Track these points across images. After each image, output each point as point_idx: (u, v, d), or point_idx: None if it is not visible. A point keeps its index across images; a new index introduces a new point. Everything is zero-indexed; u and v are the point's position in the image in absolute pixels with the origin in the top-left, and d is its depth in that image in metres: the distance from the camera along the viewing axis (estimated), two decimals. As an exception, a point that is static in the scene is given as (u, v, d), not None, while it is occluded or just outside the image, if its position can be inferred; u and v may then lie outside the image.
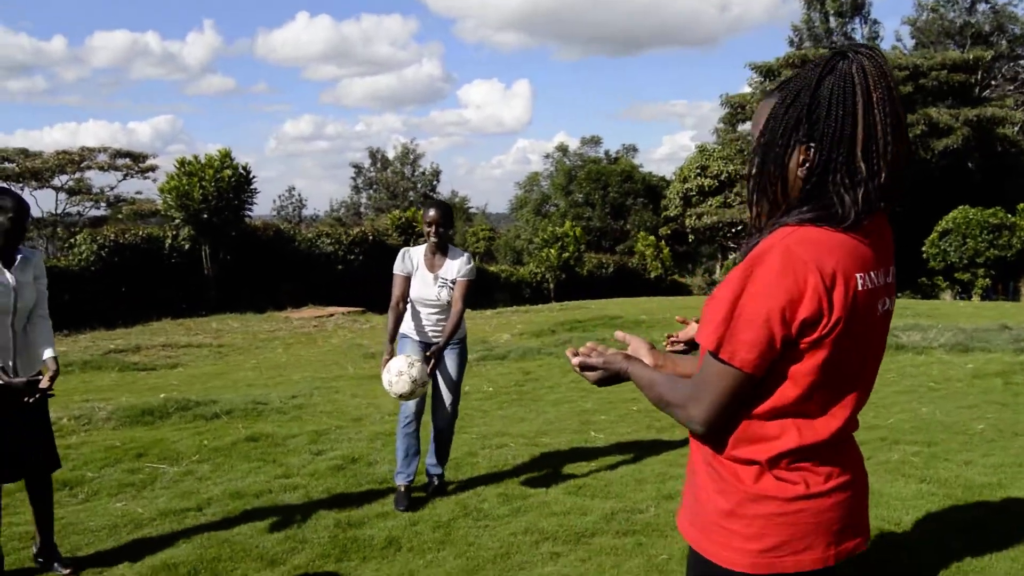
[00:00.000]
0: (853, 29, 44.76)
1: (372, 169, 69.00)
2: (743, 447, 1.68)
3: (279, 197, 68.74)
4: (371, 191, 69.66)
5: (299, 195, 70.46)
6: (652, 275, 37.18)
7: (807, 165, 1.61)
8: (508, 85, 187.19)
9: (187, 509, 4.96)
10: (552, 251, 31.46)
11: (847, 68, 1.58)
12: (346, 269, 23.19)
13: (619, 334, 2.11)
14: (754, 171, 1.69)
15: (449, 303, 5.02)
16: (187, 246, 20.46)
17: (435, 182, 68.50)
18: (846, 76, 1.57)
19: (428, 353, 4.91)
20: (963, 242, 27.20)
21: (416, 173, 68.01)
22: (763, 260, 1.55)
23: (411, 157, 67.36)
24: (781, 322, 1.55)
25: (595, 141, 60.23)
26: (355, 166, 69.29)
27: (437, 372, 5.10)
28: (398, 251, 5.22)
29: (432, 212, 5.00)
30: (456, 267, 5.04)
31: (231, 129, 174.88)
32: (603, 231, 50.83)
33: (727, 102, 38.08)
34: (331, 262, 23.11)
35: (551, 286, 31.94)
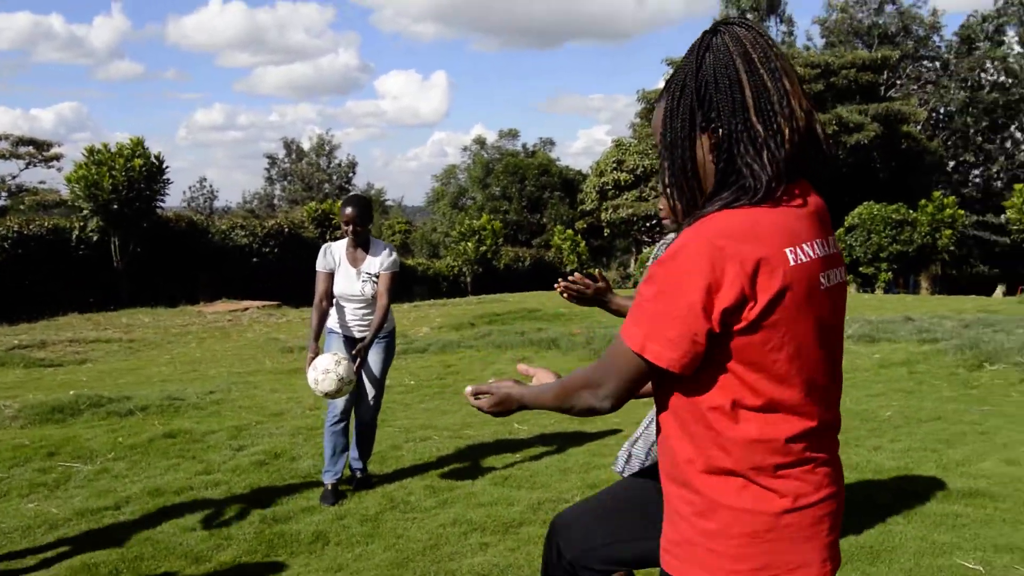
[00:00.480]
0: (768, 27, 45.87)
1: (287, 160, 67.98)
2: (719, 456, 1.56)
3: (190, 188, 67.04)
4: (285, 182, 68.63)
5: (211, 186, 68.77)
6: (569, 268, 37.47)
7: (715, 147, 1.56)
8: (426, 76, 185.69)
9: (105, 508, 4.84)
10: (470, 244, 31.51)
11: (720, 41, 1.56)
12: (261, 262, 22.79)
13: (521, 367, 2.05)
14: (667, 175, 1.63)
15: (373, 297, 4.98)
16: (95, 238, 19.81)
17: (351, 174, 67.89)
18: (721, 48, 1.55)
19: (354, 351, 4.88)
20: (868, 237, 28.17)
21: (332, 165, 67.26)
22: (678, 255, 1.49)
23: (327, 148, 66.62)
24: (702, 316, 1.47)
25: (512, 134, 60.58)
26: (269, 157, 68.25)
27: (362, 367, 5.04)
28: (314, 244, 5.21)
29: (349, 210, 4.91)
30: (379, 261, 5.00)
31: (140, 117, 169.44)
32: (520, 224, 51.09)
33: (643, 97, 38.68)
34: (245, 255, 22.68)
35: (468, 279, 31.99)
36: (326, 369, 4.50)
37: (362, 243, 5.01)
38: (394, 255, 5.06)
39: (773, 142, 1.51)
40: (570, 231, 40.25)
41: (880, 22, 42.91)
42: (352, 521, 4.54)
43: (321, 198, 55.87)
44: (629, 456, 3.35)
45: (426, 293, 27.25)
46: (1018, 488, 4.88)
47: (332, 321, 5.10)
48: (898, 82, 40.32)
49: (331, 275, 5.00)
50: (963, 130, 46.15)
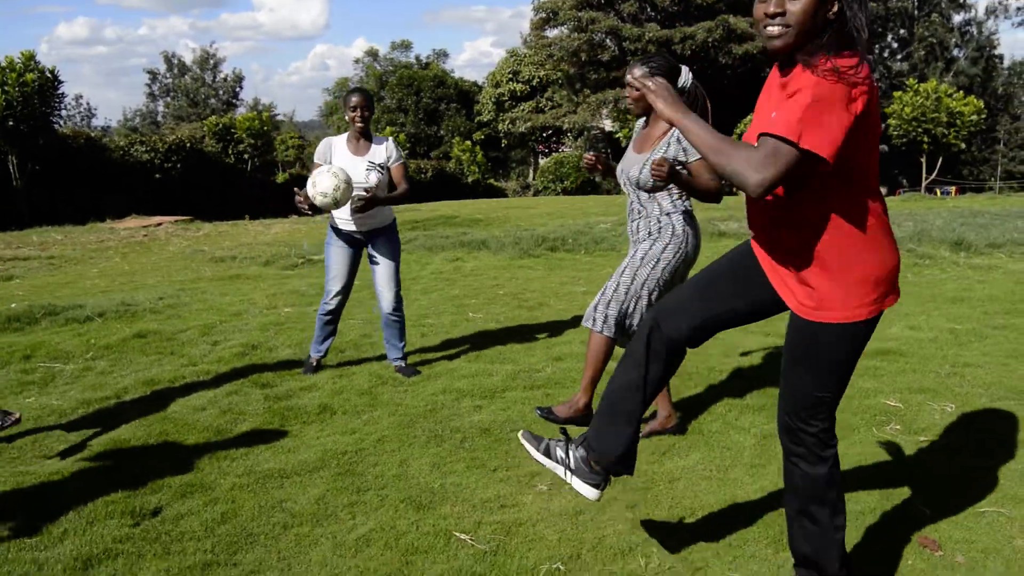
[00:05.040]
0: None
1: (168, 75, 65.29)
2: (858, 224, 2.31)
3: (65, 106, 63.77)
4: (168, 99, 66.08)
5: (88, 103, 65.68)
6: (469, 179, 37.81)
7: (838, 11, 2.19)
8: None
9: (106, 398, 5.10)
10: (372, 157, 31.37)
11: None
12: (165, 178, 22.37)
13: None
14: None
15: (377, 186, 5.14)
16: (-9, 156, 19.15)
17: (238, 88, 65.83)
18: None
19: (359, 200, 5.06)
20: (758, 143, 29.29)
21: (217, 79, 64.99)
22: (822, 84, 2.10)
23: (211, 63, 64.21)
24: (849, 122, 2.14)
25: (405, 46, 59.63)
26: (150, 72, 65.39)
27: (376, 262, 5.34)
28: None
29: (356, 97, 5.13)
30: (383, 151, 5.21)
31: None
32: (417, 137, 50.84)
33: (540, 7, 38.57)
34: (148, 171, 22.21)
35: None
36: (323, 192, 4.73)
37: (366, 134, 5.23)
38: (397, 145, 5.33)
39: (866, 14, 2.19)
40: (468, 142, 40.39)
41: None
42: (351, 395, 4.98)
43: (208, 113, 54.13)
44: (606, 317, 3.91)
45: (332, 206, 27.18)
46: (921, 346, 5.69)
47: (334, 213, 5.30)
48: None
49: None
50: (845, 39, 47.71)
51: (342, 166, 5.12)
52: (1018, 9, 48.25)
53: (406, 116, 51.31)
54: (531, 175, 48.07)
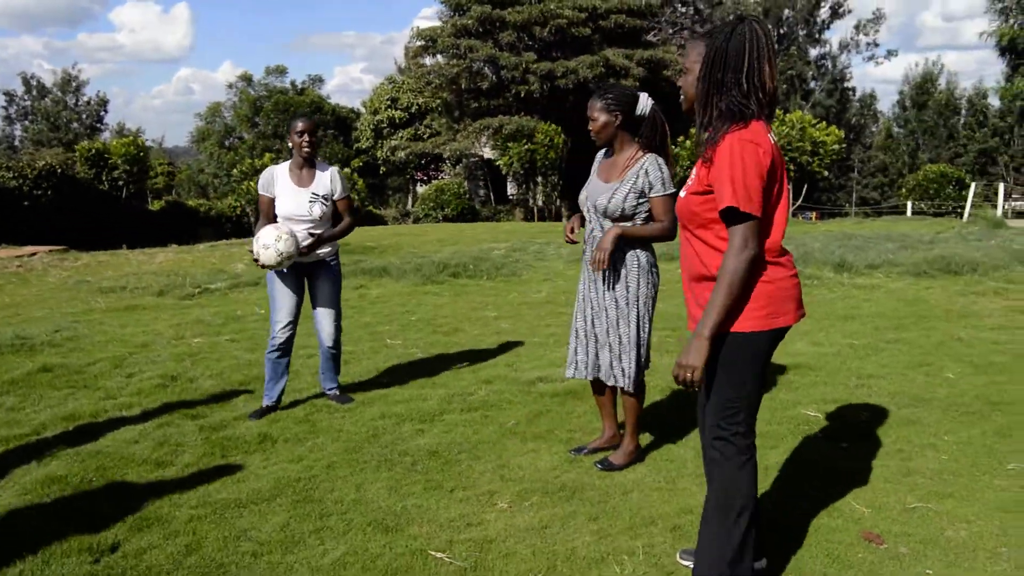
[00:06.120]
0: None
1: (27, 98, 62.31)
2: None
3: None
4: (27, 122, 63.02)
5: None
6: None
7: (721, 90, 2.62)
8: (166, 8, 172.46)
9: (25, 435, 4.88)
10: (252, 183, 30.80)
11: (741, 29, 2.60)
12: (34, 206, 21.34)
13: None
14: (704, 92, 2.67)
15: (321, 219, 5.07)
16: None
17: (103, 112, 63.45)
18: (740, 34, 2.59)
19: (304, 245, 4.97)
20: (636, 170, 30.15)
21: (80, 103, 62.44)
22: (734, 152, 2.51)
23: (74, 85, 61.63)
24: (760, 177, 2.54)
25: (280, 71, 58.72)
26: (6, 94, 62.22)
27: (317, 294, 5.26)
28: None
29: (303, 122, 4.98)
30: (328, 181, 5.11)
31: None
32: (294, 164, 50.04)
33: (419, 35, 38.69)
34: (16, 198, 21.14)
35: (253, 219, 31.31)
36: (265, 245, 4.68)
37: (310, 162, 5.10)
38: (343, 177, 5.21)
39: (754, 97, 2.58)
40: (347, 170, 40.02)
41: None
42: (288, 423, 4.96)
43: (70, 138, 51.97)
44: (623, 371, 4.10)
45: (211, 235, 26.53)
46: (827, 360, 6.08)
47: None
48: (657, 27, 42.78)
49: (272, 200, 5.10)
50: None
51: (284, 200, 5.08)
52: (867, 44, 51.49)
53: (282, 142, 50.43)
54: (409, 202, 48.01)
